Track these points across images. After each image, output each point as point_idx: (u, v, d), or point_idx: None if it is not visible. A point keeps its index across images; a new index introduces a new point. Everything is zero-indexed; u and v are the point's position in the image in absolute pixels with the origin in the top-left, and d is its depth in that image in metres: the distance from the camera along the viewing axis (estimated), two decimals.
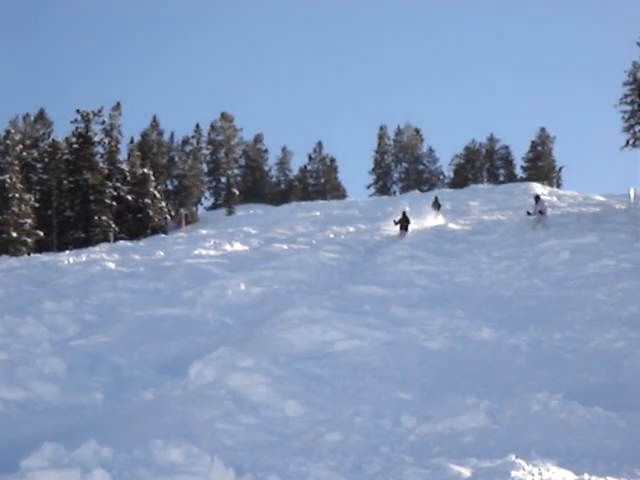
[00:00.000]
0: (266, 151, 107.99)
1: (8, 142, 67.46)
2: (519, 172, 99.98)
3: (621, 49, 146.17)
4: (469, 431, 7.76)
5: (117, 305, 17.28)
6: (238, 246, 29.42)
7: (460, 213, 39.38)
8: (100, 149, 72.71)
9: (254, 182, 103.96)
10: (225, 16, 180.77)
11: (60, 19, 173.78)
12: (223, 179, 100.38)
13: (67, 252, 37.02)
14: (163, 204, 75.64)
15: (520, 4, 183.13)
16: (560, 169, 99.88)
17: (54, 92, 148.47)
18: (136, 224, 70.72)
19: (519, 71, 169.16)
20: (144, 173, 74.32)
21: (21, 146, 71.02)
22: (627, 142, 48.80)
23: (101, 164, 71.11)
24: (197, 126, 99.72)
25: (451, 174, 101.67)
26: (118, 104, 77.94)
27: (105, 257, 27.56)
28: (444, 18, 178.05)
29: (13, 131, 70.82)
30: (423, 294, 16.78)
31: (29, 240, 61.89)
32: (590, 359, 10.55)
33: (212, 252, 27.27)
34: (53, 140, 74.31)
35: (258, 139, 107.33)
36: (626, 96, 49.70)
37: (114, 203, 69.32)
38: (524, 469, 6.13)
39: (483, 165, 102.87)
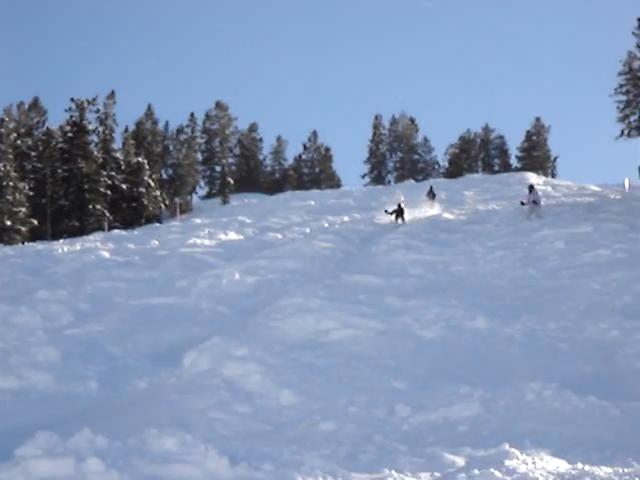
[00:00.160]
0: (261, 140, 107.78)
1: (2, 130, 67.15)
2: (514, 162, 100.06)
3: (616, 39, 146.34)
4: (463, 420, 7.79)
5: (111, 294, 17.25)
6: (233, 235, 29.38)
7: (455, 203, 39.37)
8: (94, 138, 72.65)
9: (249, 171, 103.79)
10: (220, 5, 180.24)
11: (54, 7, 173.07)
12: (218, 168, 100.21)
13: (61, 241, 36.92)
14: (157, 193, 75.44)
15: None
16: (555, 159, 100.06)
17: (48, 80, 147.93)
18: (130, 213, 70.62)
19: (514, 61, 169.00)
20: (138, 162, 74.16)
21: (15, 134, 70.80)
22: (622, 132, 48.93)
23: (95, 153, 70.98)
24: (192, 115, 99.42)
25: (446, 164, 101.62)
26: (112, 92, 77.51)
27: (99, 246, 27.49)
28: (439, 8, 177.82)
29: (7, 119, 70.48)
30: (417, 284, 16.78)
31: (23, 229, 61.77)
32: (584, 349, 10.58)
33: (207, 241, 27.24)
34: (47, 128, 74.12)
35: (253, 128, 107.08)
36: (621, 86, 49.80)
37: (108, 192, 69.21)
38: (518, 458, 6.15)
39: (478, 155, 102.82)
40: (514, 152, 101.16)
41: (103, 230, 56.31)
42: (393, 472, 6.06)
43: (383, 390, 9.11)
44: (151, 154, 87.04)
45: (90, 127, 71.53)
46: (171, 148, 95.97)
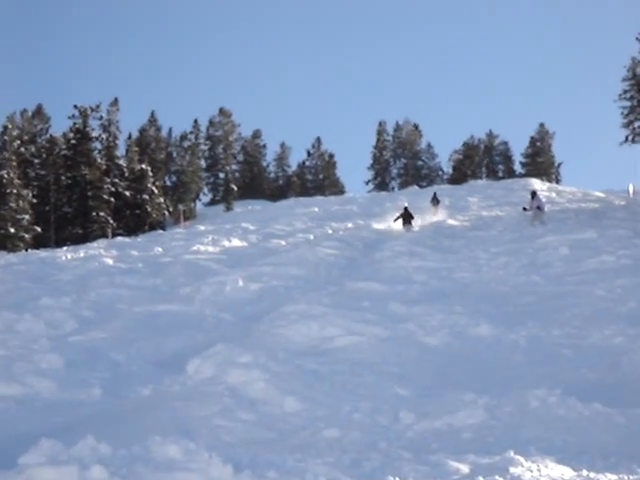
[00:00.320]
0: (264, 147, 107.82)
1: (6, 138, 67.34)
2: (518, 168, 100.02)
3: (620, 45, 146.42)
4: (467, 427, 7.76)
5: (115, 301, 17.24)
6: (236, 242, 29.38)
7: (459, 209, 39.34)
8: (98, 145, 72.73)
9: (252, 178, 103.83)
10: (223, 11, 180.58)
11: (58, 15, 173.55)
12: (221, 175, 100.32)
13: (65, 248, 36.96)
14: (161, 200, 75.51)
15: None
16: (559, 165, 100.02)
17: (52, 87, 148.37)
18: (134, 220, 70.65)
19: (518, 67, 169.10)
20: (142, 169, 74.24)
21: (19, 142, 70.89)
22: (626, 138, 48.85)
23: (99, 160, 71.06)
24: (195, 121, 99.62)
25: (450, 170, 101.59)
26: (116, 99, 77.70)
27: (103, 253, 27.52)
28: (442, 14, 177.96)
29: (11, 127, 70.63)
30: (421, 290, 16.76)
31: (27, 236, 61.85)
32: (589, 355, 10.55)
33: (210, 248, 27.23)
34: (51, 136, 74.26)
35: (256, 135, 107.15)
36: (625, 92, 49.75)
37: (112, 199, 69.27)
38: (522, 465, 6.13)
39: (482, 161, 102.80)
40: (518, 158, 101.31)
41: (107, 237, 56.30)
42: (397, 479, 6.04)
43: (387, 397, 9.09)
44: (154, 161, 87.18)
45: (93, 134, 71.65)
46: (174, 155, 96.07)
